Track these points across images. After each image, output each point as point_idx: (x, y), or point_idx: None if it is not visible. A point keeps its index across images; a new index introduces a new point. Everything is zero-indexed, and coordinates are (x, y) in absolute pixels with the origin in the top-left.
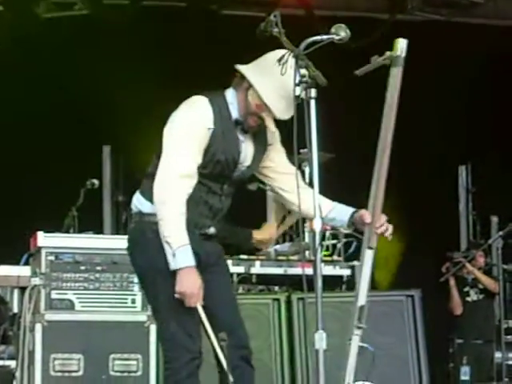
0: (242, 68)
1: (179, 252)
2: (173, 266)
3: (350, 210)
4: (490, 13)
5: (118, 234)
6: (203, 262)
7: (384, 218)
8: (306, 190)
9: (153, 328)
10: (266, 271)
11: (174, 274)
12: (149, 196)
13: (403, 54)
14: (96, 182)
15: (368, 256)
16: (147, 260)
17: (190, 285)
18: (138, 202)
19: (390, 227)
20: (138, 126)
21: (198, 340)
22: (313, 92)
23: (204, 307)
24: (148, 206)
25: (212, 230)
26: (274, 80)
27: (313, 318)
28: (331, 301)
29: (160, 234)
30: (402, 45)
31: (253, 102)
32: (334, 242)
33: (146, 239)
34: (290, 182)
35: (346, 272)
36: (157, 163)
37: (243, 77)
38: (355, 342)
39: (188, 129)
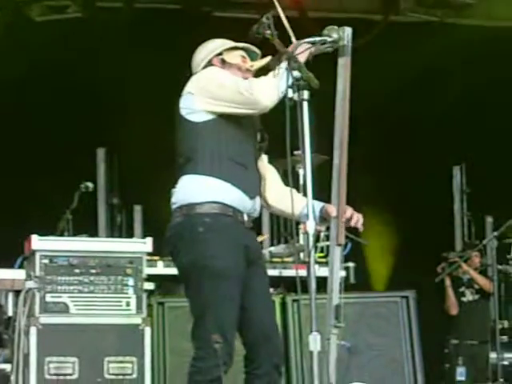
0: (203, 62)
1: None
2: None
3: (319, 204)
4: (482, 14)
5: (112, 236)
6: (247, 258)
7: (350, 209)
8: (282, 189)
9: (147, 330)
10: None
11: (220, 272)
12: (200, 169)
13: (349, 43)
14: (90, 184)
15: (337, 253)
16: (194, 256)
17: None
18: (184, 193)
19: (360, 217)
20: (132, 128)
21: (232, 344)
22: (305, 94)
23: (243, 309)
24: (199, 195)
25: (257, 206)
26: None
27: (307, 320)
28: (325, 302)
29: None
30: (347, 33)
31: (237, 59)
32: (329, 243)
33: (195, 234)
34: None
35: (341, 273)
36: (186, 148)
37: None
38: (333, 342)
39: (221, 72)
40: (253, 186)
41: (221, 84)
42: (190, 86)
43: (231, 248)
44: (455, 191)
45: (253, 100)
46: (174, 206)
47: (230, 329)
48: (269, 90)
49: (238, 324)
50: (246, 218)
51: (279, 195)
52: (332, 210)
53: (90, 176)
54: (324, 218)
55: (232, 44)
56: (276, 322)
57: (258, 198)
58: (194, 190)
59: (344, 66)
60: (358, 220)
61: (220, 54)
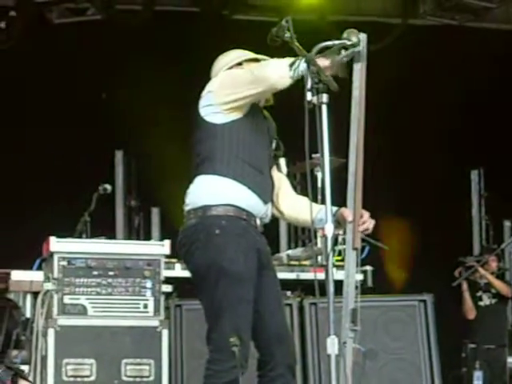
0: (223, 69)
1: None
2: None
3: (333, 209)
4: (502, 17)
5: (130, 239)
6: (259, 262)
7: (367, 214)
8: (296, 198)
9: (165, 333)
10: (279, 276)
11: (236, 275)
12: (217, 169)
13: (365, 49)
14: (108, 187)
15: (353, 257)
16: (211, 258)
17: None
18: (199, 195)
19: (372, 222)
20: (150, 130)
21: (248, 346)
22: (324, 97)
23: (256, 312)
24: (215, 196)
25: (269, 212)
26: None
27: (325, 323)
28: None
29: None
30: (362, 39)
31: None
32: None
33: (211, 236)
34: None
35: (359, 277)
36: (204, 149)
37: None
38: (350, 345)
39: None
40: (267, 191)
41: (236, 73)
42: (210, 85)
43: (246, 251)
44: (473, 195)
45: (263, 76)
46: (187, 208)
47: (246, 331)
48: (278, 66)
49: (252, 327)
50: (258, 222)
51: (292, 203)
52: (348, 214)
53: (108, 178)
54: (338, 223)
55: (253, 55)
56: (287, 324)
57: (270, 204)
58: (209, 191)
59: (360, 71)
60: (367, 225)
61: (240, 63)
